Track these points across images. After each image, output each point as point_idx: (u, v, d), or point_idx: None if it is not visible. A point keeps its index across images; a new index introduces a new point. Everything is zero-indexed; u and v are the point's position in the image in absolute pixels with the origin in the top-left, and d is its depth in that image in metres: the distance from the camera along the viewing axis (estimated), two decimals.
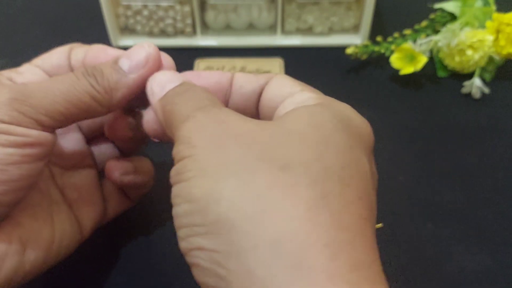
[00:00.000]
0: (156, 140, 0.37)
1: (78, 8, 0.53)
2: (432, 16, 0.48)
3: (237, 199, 0.18)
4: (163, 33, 0.48)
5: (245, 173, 0.18)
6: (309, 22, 0.48)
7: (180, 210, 0.19)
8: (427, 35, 0.46)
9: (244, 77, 0.25)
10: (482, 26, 0.45)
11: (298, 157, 0.19)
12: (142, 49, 0.25)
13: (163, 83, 0.25)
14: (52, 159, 0.28)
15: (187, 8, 0.46)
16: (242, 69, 0.46)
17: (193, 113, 0.21)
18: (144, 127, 0.26)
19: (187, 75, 0.26)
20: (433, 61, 0.46)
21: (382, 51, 0.45)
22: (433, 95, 0.44)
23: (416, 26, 0.47)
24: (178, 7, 0.46)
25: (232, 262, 0.17)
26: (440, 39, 0.45)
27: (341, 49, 0.46)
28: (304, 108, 0.21)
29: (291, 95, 0.23)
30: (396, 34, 0.47)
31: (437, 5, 0.49)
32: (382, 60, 0.46)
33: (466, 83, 0.44)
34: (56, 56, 0.28)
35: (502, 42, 0.42)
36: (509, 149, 0.39)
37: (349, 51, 0.45)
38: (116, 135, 0.29)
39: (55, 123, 0.24)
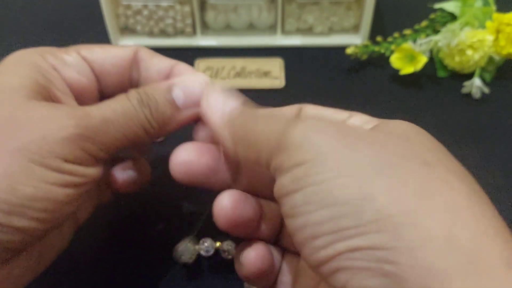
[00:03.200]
0: (161, 139, 0.36)
1: (78, 8, 0.53)
2: (432, 16, 0.48)
3: (395, 195, 0.17)
4: (163, 33, 0.48)
5: (390, 169, 0.17)
6: (309, 22, 0.48)
7: (316, 217, 0.18)
8: (427, 35, 0.46)
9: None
10: (482, 26, 0.45)
11: (430, 157, 0.18)
12: (198, 84, 0.24)
13: (219, 106, 0.24)
14: None
15: (187, 8, 0.46)
16: (242, 69, 0.46)
17: (294, 122, 0.20)
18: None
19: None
20: (433, 61, 0.46)
21: (382, 51, 0.45)
22: (433, 95, 0.44)
23: (416, 26, 0.47)
24: (178, 7, 0.46)
25: (403, 257, 0.16)
26: (440, 39, 0.45)
27: (341, 49, 0.46)
28: (392, 123, 0.21)
29: (346, 119, 0.23)
30: (396, 34, 0.47)
31: (437, 5, 0.49)
32: (382, 60, 0.46)
33: (466, 83, 0.44)
34: (112, 56, 0.27)
35: (502, 42, 0.42)
36: (509, 149, 0.39)
37: (349, 51, 0.45)
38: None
39: (109, 157, 0.24)
